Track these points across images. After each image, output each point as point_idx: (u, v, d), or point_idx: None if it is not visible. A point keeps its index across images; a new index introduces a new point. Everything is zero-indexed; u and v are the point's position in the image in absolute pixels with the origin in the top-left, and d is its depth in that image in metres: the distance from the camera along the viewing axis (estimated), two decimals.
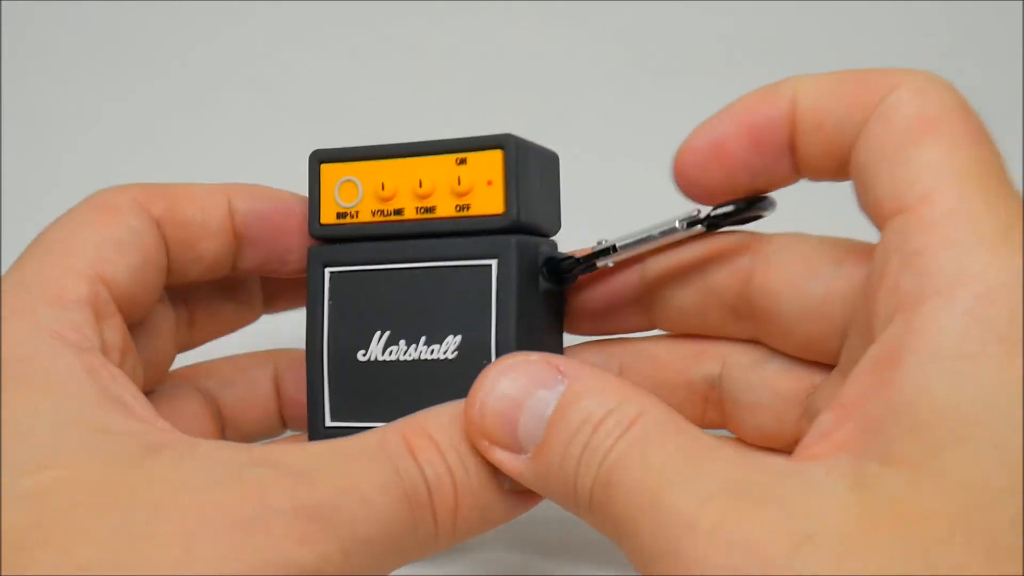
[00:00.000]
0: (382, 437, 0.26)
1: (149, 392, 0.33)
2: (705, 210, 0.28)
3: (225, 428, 0.35)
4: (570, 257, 0.30)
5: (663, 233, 0.29)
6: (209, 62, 0.53)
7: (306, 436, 0.34)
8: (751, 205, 0.28)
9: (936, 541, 0.20)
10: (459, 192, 0.30)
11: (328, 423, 0.30)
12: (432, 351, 0.30)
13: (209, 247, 0.31)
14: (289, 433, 0.37)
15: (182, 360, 0.36)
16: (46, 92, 0.53)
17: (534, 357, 0.25)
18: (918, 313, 0.22)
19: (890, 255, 0.23)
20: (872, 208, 0.24)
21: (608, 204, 0.52)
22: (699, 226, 0.28)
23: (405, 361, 0.30)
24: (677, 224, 0.28)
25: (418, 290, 0.30)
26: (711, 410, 0.32)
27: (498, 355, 0.29)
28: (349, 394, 0.30)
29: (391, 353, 0.30)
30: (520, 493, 0.26)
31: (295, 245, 0.33)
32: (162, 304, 0.33)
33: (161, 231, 0.30)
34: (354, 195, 0.31)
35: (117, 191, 0.30)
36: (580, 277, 0.31)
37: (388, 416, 0.29)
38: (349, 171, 0.31)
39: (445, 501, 0.25)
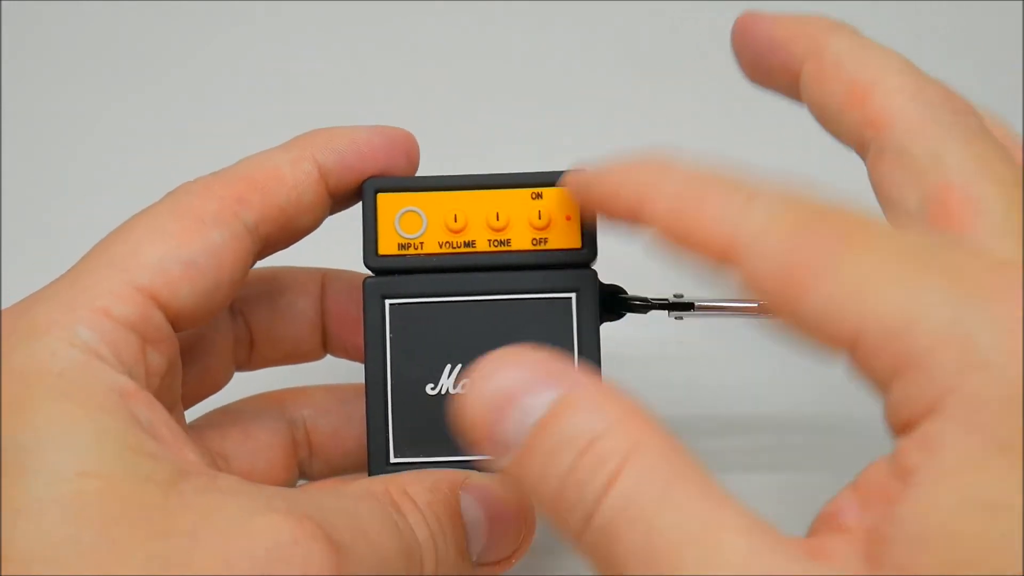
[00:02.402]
0: (369, 488, 0.27)
1: (195, 401, 0.33)
2: None
3: (312, 458, 0.34)
4: (644, 300, 0.32)
5: (739, 309, 0.31)
6: (211, 62, 0.53)
7: None
8: None
9: None
10: (538, 226, 0.30)
11: (392, 459, 0.30)
12: None
13: (304, 221, 0.30)
14: None
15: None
16: (46, 92, 0.53)
17: (540, 354, 0.22)
18: None
19: None
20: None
21: None
22: None
23: None
24: (757, 304, 0.31)
25: (492, 322, 0.30)
26: None
27: None
28: (415, 429, 0.30)
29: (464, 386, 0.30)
30: (487, 565, 0.28)
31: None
32: (221, 320, 0.32)
33: (256, 232, 0.29)
34: (418, 226, 0.30)
35: (204, 193, 0.28)
36: None
37: (458, 451, 0.29)
38: (411, 201, 0.30)
39: (428, 565, 0.26)
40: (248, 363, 0.34)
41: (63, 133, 0.51)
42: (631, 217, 0.25)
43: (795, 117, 0.52)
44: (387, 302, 0.30)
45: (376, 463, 0.30)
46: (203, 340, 0.32)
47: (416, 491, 0.27)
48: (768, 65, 0.27)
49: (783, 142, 0.51)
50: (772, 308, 0.22)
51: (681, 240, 0.24)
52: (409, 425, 0.30)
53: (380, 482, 0.27)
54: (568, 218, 0.30)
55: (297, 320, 0.34)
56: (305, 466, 0.34)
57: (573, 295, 0.30)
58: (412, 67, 0.53)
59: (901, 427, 0.21)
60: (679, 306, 0.32)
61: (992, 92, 0.52)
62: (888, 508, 0.20)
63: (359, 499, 0.26)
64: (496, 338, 0.29)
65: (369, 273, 0.31)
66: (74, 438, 0.24)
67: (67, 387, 0.25)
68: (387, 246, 0.31)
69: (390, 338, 0.30)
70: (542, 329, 0.30)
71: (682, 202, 0.24)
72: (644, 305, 0.32)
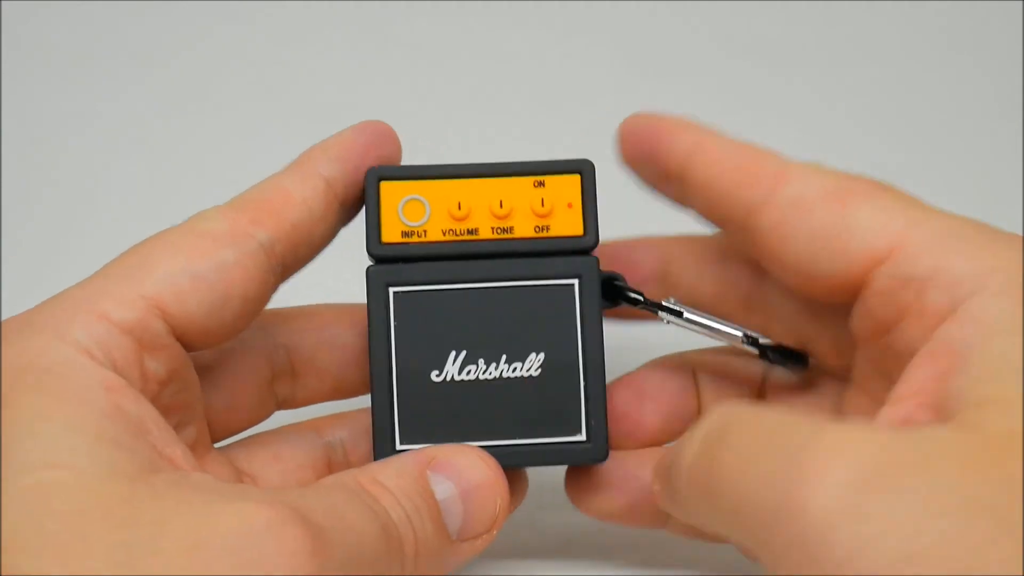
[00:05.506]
0: (341, 479, 0.27)
1: (229, 433, 0.33)
2: (764, 340, 0.32)
3: None
4: (640, 295, 0.32)
5: (723, 333, 0.32)
6: (208, 61, 0.53)
7: None
8: (797, 358, 0.33)
9: None
10: (540, 213, 0.30)
11: (399, 446, 0.30)
12: (515, 369, 0.30)
13: (319, 234, 0.31)
14: None
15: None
16: (46, 92, 0.53)
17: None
18: (964, 310, 0.26)
19: (899, 290, 0.27)
20: (832, 260, 0.29)
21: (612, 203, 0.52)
22: (754, 348, 0.32)
23: (485, 380, 0.30)
24: (741, 335, 0.32)
25: (495, 309, 0.30)
26: None
27: (587, 370, 0.30)
28: (421, 416, 0.30)
29: (469, 372, 0.30)
30: (469, 540, 0.28)
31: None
32: (250, 349, 0.32)
33: (272, 250, 0.29)
34: (421, 214, 0.31)
35: (218, 217, 0.29)
36: None
37: (465, 436, 0.30)
38: (414, 189, 0.31)
39: (408, 545, 0.27)
40: (293, 398, 0.34)
41: (62, 133, 0.52)
42: (685, 155, 0.31)
43: (796, 117, 0.52)
44: (391, 290, 0.30)
45: (381, 451, 0.30)
46: (229, 366, 0.32)
47: (385, 476, 0.28)
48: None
49: (783, 142, 0.51)
50: (816, 222, 0.29)
51: (734, 168, 0.30)
52: (415, 411, 0.30)
53: (350, 474, 0.28)
54: (570, 206, 0.31)
55: (343, 351, 0.34)
56: None
57: (576, 281, 0.30)
58: (412, 66, 0.53)
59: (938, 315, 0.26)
60: (671, 311, 0.32)
61: (992, 92, 0.52)
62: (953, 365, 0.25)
63: (333, 489, 0.27)
64: (500, 324, 0.30)
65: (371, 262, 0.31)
66: (45, 431, 0.24)
67: (51, 381, 0.25)
68: (390, 234, 0.31)
69: (394, 326, 0.30)
70: (545, 315, 0.30)
71: (737, 144, 0.31)
72: (638, 300, 0.32)
